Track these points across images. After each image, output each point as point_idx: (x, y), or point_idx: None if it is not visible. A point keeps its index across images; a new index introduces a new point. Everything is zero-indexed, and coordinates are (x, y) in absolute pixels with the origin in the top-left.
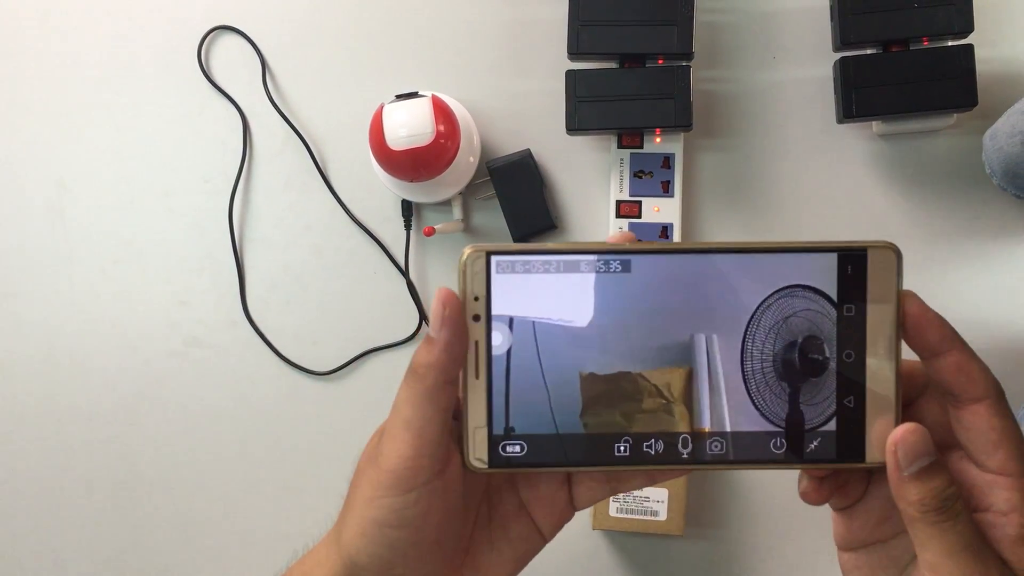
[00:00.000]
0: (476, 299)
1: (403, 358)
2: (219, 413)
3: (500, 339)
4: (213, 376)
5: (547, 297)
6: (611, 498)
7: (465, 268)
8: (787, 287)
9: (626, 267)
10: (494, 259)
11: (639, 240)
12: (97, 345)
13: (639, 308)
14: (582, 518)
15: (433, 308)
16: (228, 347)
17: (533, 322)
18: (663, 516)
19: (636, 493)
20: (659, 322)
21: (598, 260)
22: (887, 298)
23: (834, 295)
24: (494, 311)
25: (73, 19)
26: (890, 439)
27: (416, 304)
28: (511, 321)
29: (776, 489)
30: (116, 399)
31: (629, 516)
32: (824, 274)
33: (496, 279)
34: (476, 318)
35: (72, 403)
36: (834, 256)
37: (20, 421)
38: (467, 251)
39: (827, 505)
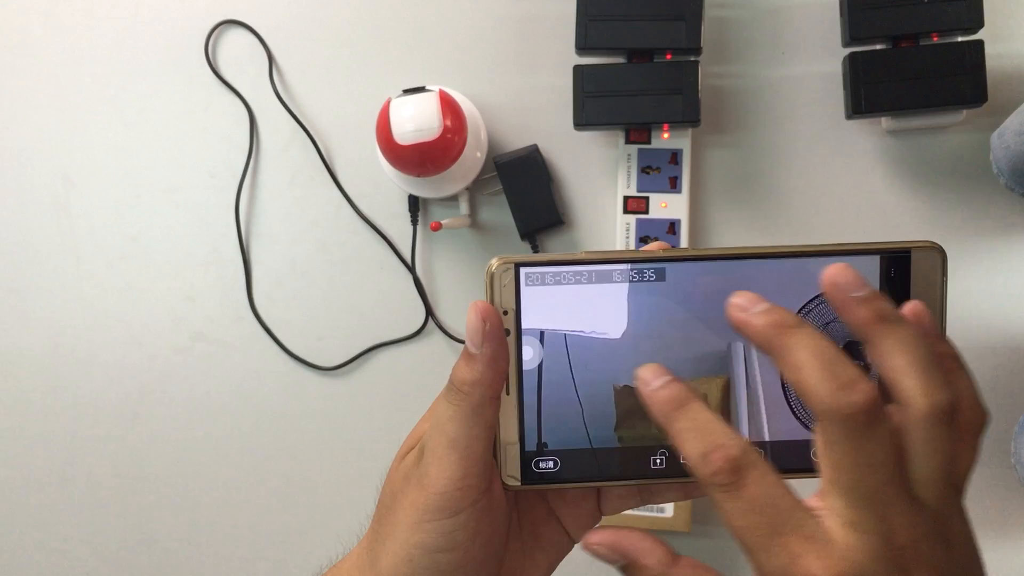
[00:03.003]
0: (505, 313)
1: (409, 353)
2: (225, 408)
3: (531, 353)
4: (219, 371)
5: (578, 309)
6: None
7: (493, 281)
8: None
9: (660, 275)
10: (523, 271)
11: (672, 247)
12: (103, 340)
13: (674, 317)
14: None
15: (471, 323)
16: (234, 342)
17: (565, 335)
18: (670, 513)
19: None
20: (695, 331)
21: (631, 269)
22: (931, 300)
23: None
24: (524, 325)
25: (79, 14)
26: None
27: (423, 300)
28: (542, 335)
29: None
30: (122, 394)
31: (636, 513)
32: (865, 277)
33: (525, 292)
34: (506, 332)
35: (78, 398)
36: (876, 258)
37: (26, 416)
38: (495, 263)
39: None
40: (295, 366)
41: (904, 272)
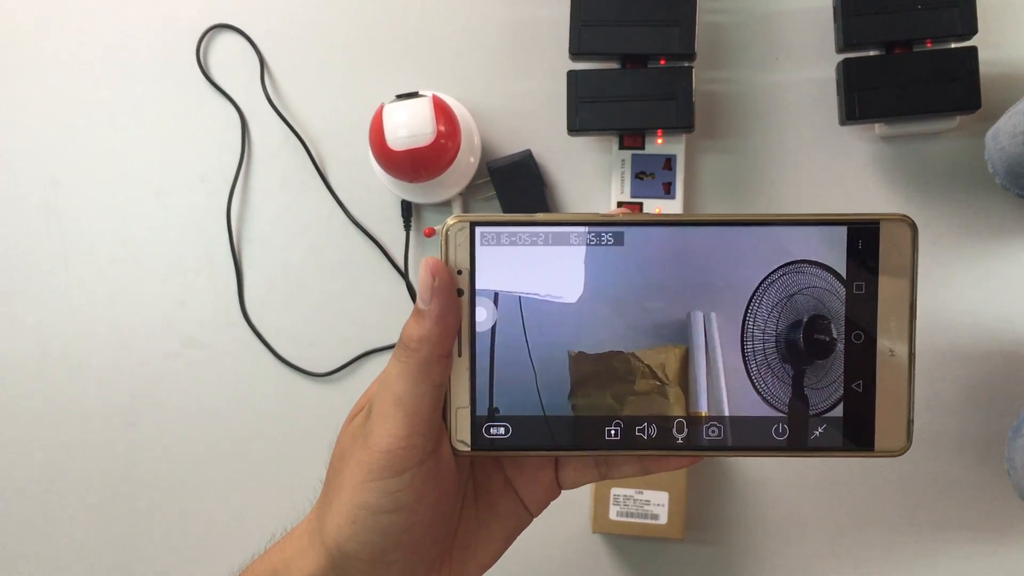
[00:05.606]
0: (459, 272)
1: None
2: (216, 414)
3: (484, 315)
4: (210, 377)
5: (535, 271)
6: (611, 501)
7: (448, 239)
8: (792, 262)
9: (619, 240)
10: (479, 230)
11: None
12: (93, 345)
13: (632, 283)
14: (581, 520)
15: (421, 278)
16: (225, 348)
17: (519, 297)
18: (663, 520)
19: (636, 496)
20: (654, 298)
21: (589, 232)
22: (901, 275)
23: (843, 271)
24: (478, 285)
25: (71, 16)
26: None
27: None
28: (496, 296)
29: (777, 493)
30: (113, 400)
31: (629, 520)
32: (832, 249)
33: (480, 251)
34: (459, 292)
35: (68, 404)
36: (843, 230)
37: (16, 422)
38: (450, 221)
39: (827, 504)
40: (287, 372)
41: (872, 245)
